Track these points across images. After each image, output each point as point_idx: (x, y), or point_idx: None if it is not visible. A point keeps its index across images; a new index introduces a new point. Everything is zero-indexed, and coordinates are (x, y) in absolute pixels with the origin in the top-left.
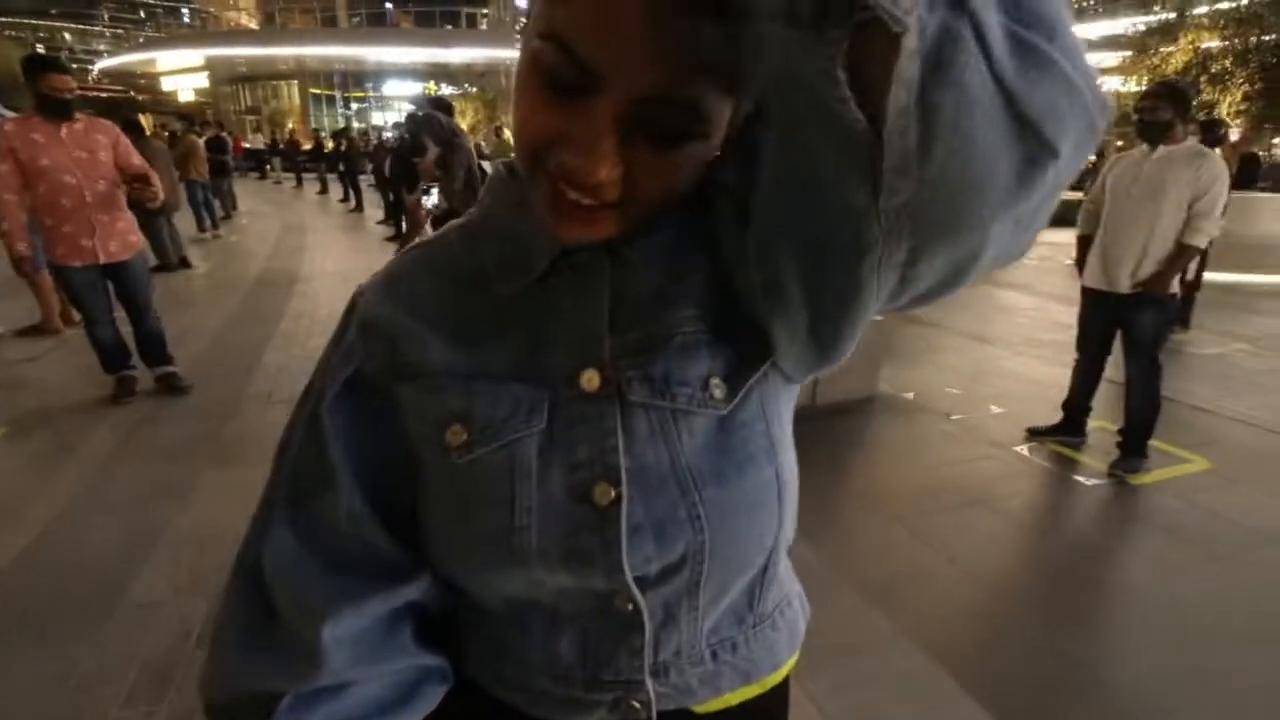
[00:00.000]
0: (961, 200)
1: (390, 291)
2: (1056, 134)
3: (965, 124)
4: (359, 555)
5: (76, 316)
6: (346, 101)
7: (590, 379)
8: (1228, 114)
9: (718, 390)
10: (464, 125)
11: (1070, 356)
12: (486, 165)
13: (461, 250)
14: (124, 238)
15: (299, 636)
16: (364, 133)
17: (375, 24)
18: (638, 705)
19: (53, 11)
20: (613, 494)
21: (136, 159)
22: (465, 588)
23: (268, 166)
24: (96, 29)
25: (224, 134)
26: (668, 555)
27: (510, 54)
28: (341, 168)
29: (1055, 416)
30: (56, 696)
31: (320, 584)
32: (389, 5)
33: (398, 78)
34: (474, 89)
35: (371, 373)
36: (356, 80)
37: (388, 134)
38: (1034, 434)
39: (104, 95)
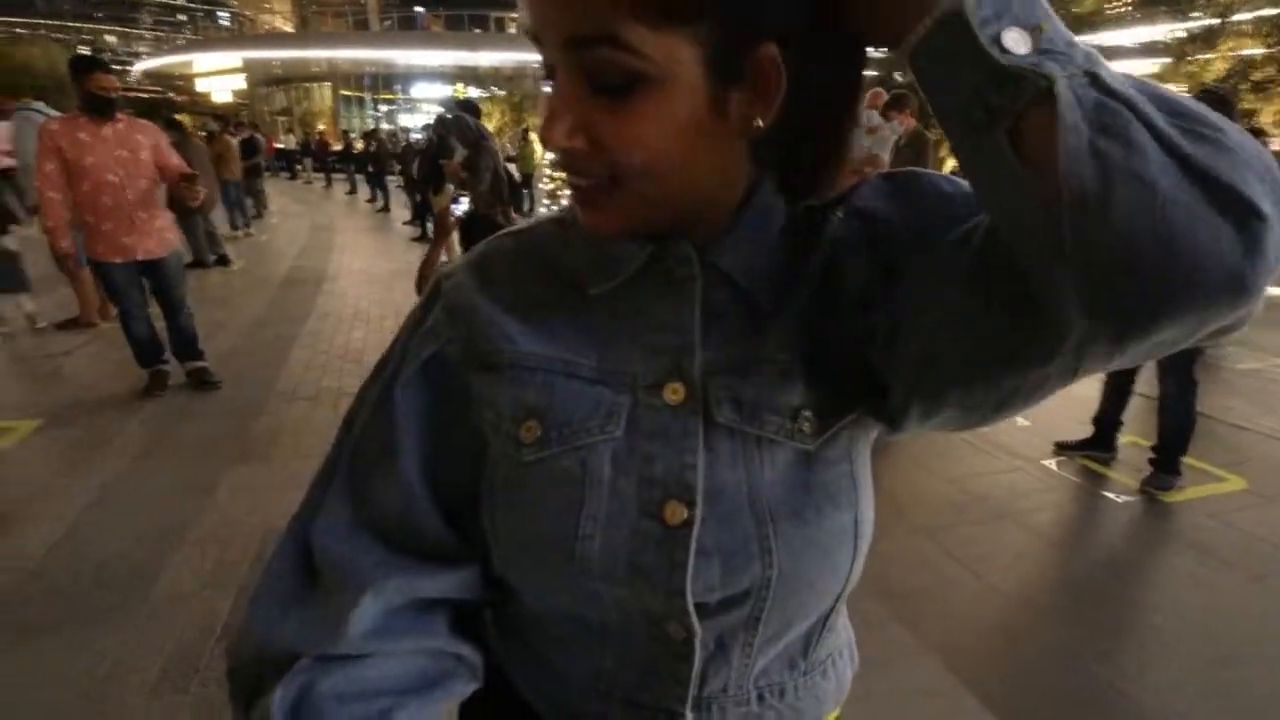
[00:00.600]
0: (1166, 268)
1: (479, 278)
2: (1253, 193)
3: (1140, 169)
4: (408, 535)
5: (113, 311)
6: (376, 103)
7: (675, 391)
8: (1271, 123)
9: (807, 424)
10: (490, 128)
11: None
12: (512, 168)
13: (553, 244)
14: (161, 235)
15: (335, 604)
16: (392, 134)
17: (405, 27)
18: None
19: (97, 15)
20: (685, 514)
21: (175, 159)
22: (517, 590)
23: (298, 167)
24: (138, 32)
25: (257, 135)
26: (732, 586)
27: (537, 58)
28: (370, 169)
29: (1084, 431)
30: (86, 683)
31: (367, 557)
32: (419, 9)
33: (426, 80)
34: (501, 92)
35: (451, 357)
36: (386, 82)
37: (416, 136)
38: (1062, 448)
39: (144, 96)
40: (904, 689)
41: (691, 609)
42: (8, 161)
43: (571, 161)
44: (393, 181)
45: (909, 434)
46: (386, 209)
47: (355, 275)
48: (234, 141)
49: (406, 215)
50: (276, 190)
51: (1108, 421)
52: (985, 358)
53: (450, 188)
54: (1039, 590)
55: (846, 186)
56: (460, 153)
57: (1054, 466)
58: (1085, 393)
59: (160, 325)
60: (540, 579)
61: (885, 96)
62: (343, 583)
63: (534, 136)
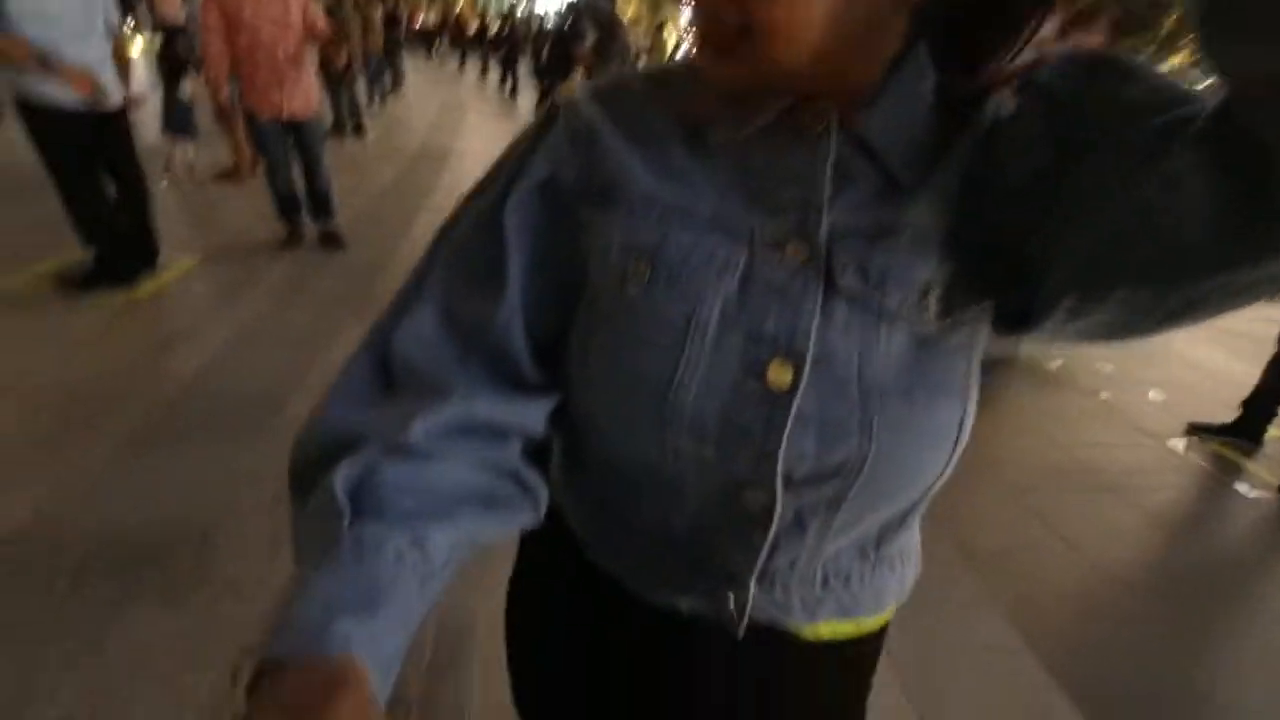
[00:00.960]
0: None
1: (603, 108)
2: None
3: None
4: (496, 357)
5: (260, 165)
6: None
7: (796, 251)
8: None
9: (933, 304)
10: (625, 17)
11: (1268, 352)
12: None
13: (683, 87)
14: (307, 95)
15: (409, 406)
16: (526, 20)
17: None
18: (731, 604)
19: None
20: (790, 377)
21: (321, 23)
22: (595, 436)
23: (435, 46)
24: None
25: (399, 12)
26: (824, 461)
27: None
28: (503, 52)
29: (1227, 416)
30: (221, 487)
31: (450, 369)
32: None
33: None
34: None
35: (566, 182)
36: None
37: (549, 22)
38: (1197, 430)
39: None
40: (968, 646)
41: (779, 477)
42: (180, 16)
43: (705, 5)
44: (524, 66)
45: (1037, 337)
46: (515, 93)
47: (480, 155)
48: (378, 15)
49: (533, 101)
50: (413, 67)
51: (1261, 408)
52: (1178, 257)
53: (578, 76)
54: (1135, 571)
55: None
56: (591, 36)
57: (1181, 448)
58: (1239, 376)
59: (300, 186)
60: (625, 425)
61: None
62: (420, 389)
63: (668, 30)
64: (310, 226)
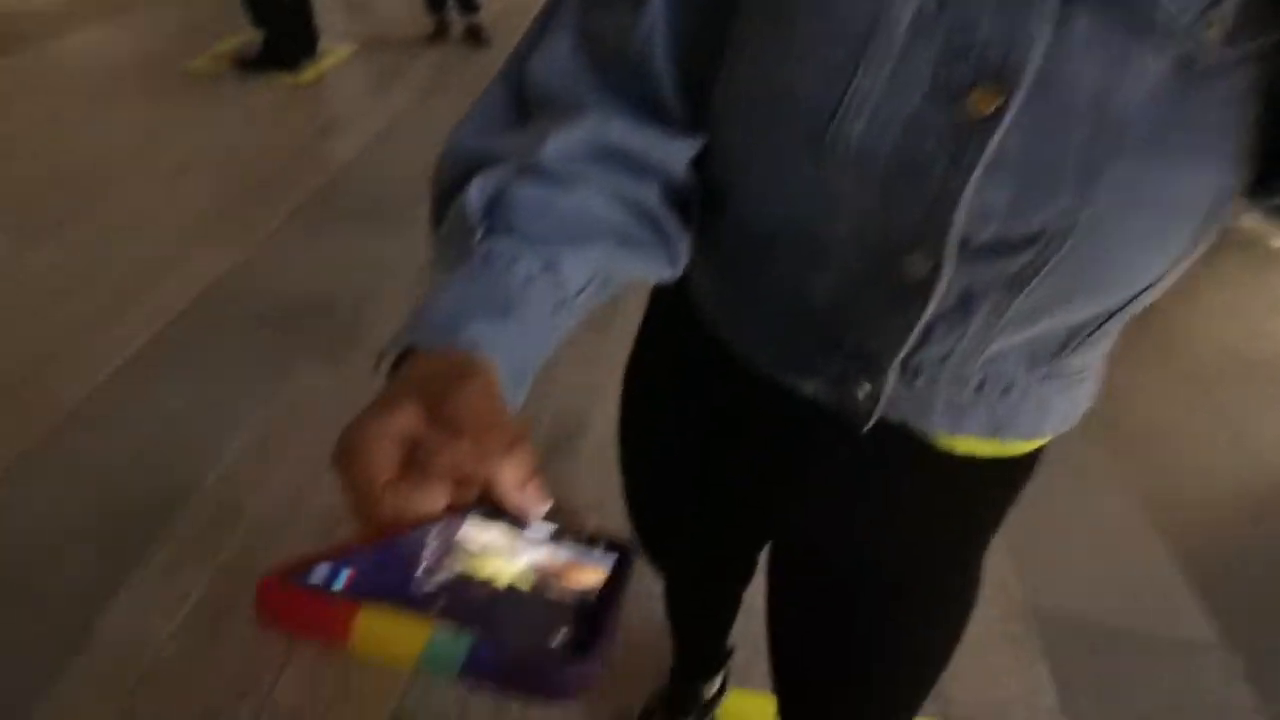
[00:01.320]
0: None
1: None
2: None
3: None
4: (637, 80)
5: None
6: None
7: None
8: None
9: (1217, 26)
10: None
11: None
12: None
13: None
14: None
15: (545, 127)
16: None
17: None
18: (862, 393)
19: None
20: (996, 104)
21: None
22: (739, 178)
23: None
24: None
25: None
26: (1017, 223)
27: None
28: None
29: None
30: (370, 266)
31: (588, 90)
32: None
33: None
34: None
35: None
36: None
37: None
38: None
39: None
40: (1091, 516)
41: (952, 236)
42: None
43: None
44: None
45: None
46: None
47: None
48: None
49: None
50: None
51: None
52: None
53: None
54: None
55: None
56: None
57: None
58: None
59: None
60: (772, 162)
61: None
62: (555, 112)
63: None
64: (457, 21)
